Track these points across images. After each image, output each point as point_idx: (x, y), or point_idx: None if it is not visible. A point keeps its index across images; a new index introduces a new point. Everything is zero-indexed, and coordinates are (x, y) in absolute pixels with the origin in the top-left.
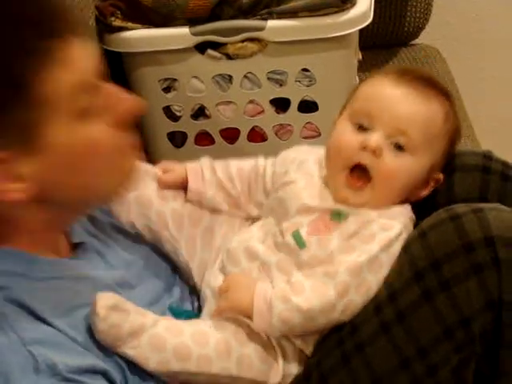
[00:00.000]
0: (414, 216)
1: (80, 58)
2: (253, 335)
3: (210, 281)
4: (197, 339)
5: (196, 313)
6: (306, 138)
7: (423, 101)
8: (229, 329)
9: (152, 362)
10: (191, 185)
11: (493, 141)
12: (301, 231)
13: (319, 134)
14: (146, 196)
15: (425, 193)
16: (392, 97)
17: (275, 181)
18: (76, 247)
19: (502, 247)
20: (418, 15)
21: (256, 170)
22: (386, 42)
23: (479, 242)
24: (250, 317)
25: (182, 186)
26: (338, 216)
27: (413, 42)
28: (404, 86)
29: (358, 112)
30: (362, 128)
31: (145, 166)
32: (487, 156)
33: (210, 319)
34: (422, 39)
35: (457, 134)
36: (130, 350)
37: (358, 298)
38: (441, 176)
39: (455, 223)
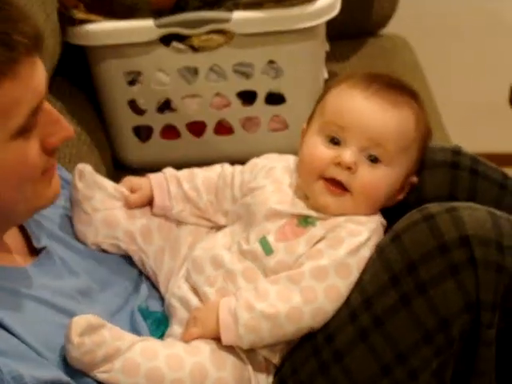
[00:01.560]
0: (384, 221)
1: (29, 77)
2: (228, 356)
3: (175, 290)
4: (171, 363)
5: (164, 315)
6: (273, 130)
7: (394, 110)
8: (204, 351)
9: None
10: (157, 201)
11: (460, 128)
12: (268, 238)
13: (286, 127)
14: (113, 216)
15: (400, 197)
16: (363, 109)
17: (243, 188)
18: (39, 252)
19: (478, 246)
20: (385, 4)
21: (223, 178)
22: (354, 32)
23: (454, 242)
24: (219, 335)
25: (149, 201)
26: (304, 222)
27: (380, 32)
28: (373, 96)
29: (329, 125)
30: (333, 141)
31: (109, 185)
32: (456, 151)
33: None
34: (390, 28)
35: (428, 135)
36: (103, 374)
37: (327, 304)
38: (415, 179)
39: (429, 223)
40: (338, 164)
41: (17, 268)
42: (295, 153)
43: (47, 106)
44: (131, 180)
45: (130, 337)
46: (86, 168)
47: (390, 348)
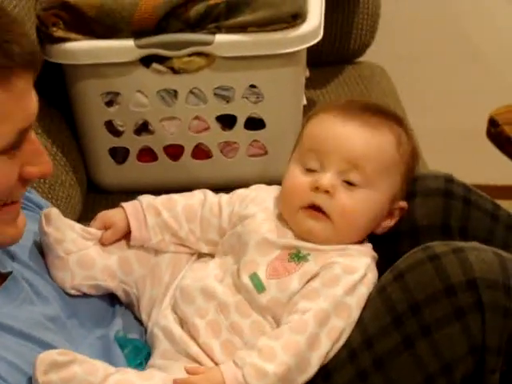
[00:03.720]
0: (375, 254)
1: (22, 94)
2: None
3: (159, 320)
4: None
5: (143, 342)
6: (252, 155)
7: (371, 131)
8: None
9: None
10: (134, 233)
11: (437, 156)
12: (259, 273)
13: (266, 153)
14: (88, 256)
15: (391, 223)
16: (339, 133)
17: (233, 219)
18: (5, 277)
19: (485, 290)
20: (363, 33)
21: (210, 207)
22: (332, 60)
23: (461, 285)
24: None
25: (124, 234)
26: (296, 257)
27: (358, 60)
28: (350, 119)
29: (306, 153)
30: (311, 170)
31: (77, 226)
32: (448, 179)
33: (163, 364)
34: (367, 57)
35: (414, 157)
36: None
37: (330, 346)
38: (404, 204)
39: (435, 264)
40: (316, 189)
41: None
42: (274, 178)
43: (33, 135)
44: (103, 216)
45: (103, 369)
46: (52, 211)
47: None
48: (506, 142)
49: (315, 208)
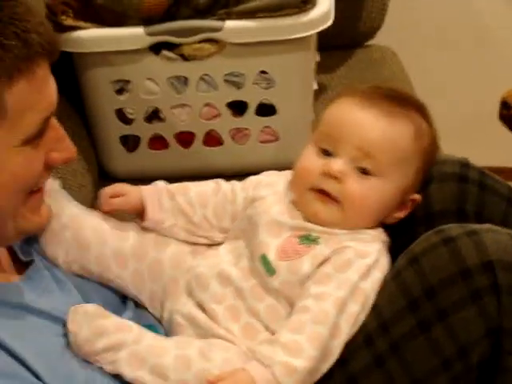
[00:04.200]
0: (387, 239)
1: (44, 82)
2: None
3: (179, 308)
4: (179, 364)
5: (158, 326)
6: (263, 142)
7: (389, 121)
8: (218, 359)
9: (129, 376)
10: (149, 214)
11: (449, 140)
12: (268, 256)
13: (277, 139)
14: (84, 236)
15: (402, 214)
16: (355, 119)
17: (246, 204)
18: (27, 265)
19: (501, 272)
20: (373, 15)
21: (224, 194)
22: (342, 43)
23: (477, 268)
24: None
25: (132, 212)
26: (307, 239)
27: (368, 43)
28: (369, 107)
29: (323, 136)
30: (326, 152)
31: (76, 203)
32: (464, 164)
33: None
34: (378, 40)
35: (433, 149)
36: (106, 364)
37: (349, 332)
38: (418, 196)
39: (449, 247)
40: (325, 174)
41: (6, 284)
42: (285, 165)
43: (54, 122)
44: (118, 185)
45: (138, 328)
46: (53, 185)
47: (406, 375)
48: None
49: (324, 192)
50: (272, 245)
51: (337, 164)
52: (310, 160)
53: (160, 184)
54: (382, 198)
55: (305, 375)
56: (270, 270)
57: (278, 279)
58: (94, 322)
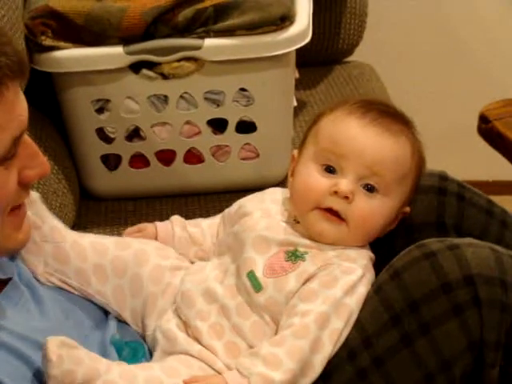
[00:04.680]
0: (372, 255)
1: (14, 103)
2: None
3: (162, 324)
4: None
5: (140, 342)
6: (244, 159)
7: (391, 138)
8: (183, 374)
9: None
10: (160, 239)
11: (431, 153)
12: (256, 272)
13: (257, 155)
14: (63, 250)
15: (392, 227)
16: (360, 137)
17: (232, 218)
18: (6, 283)
19: (482, 286)
20: (351, 32)
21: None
22: (321, 60)
23: (458, 282)
24: None
25: None
26: (294, 255)
27: (347, 59)
28: (370, 124)
29: (325, 153)
30: (329, 170)
31: (56, 219)
32: (443, 177)
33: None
34: (356, 56)
35: (423, 164)
36: None
37: (332, 348)
38: (408, 209)
39: (431, 262)
40: (335, 193)
41: None
42: (266, 181)
43: (27, 138)
44: (140, 224)
45: (105, 360)
46: (34, 195)
47: None
48: (497, 138)
49: (332, 212)
50: (259, 261)
51: (345, 183)
52: (314, 178)
53: (175, 217)
54: (386, 215)
55: None
56: (257, 286)
57: (264, 295)
58: (71, 351)
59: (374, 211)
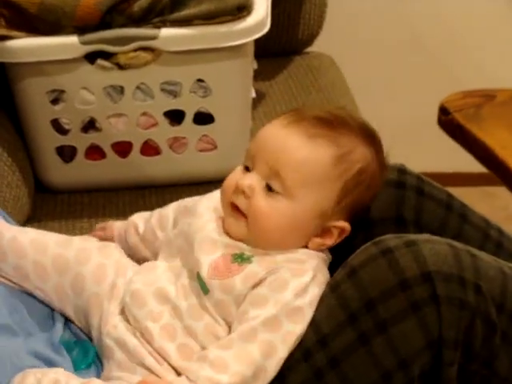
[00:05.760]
0: (324, 256)
1: None
2: None
3: (110, 331)
4: None
5: (89, 342)
6: (201, 150)
7: (304, 142)
8: None
9: None
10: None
11: (388, 146)
12: (201, 273)
13: (215, 147)
14: (1, 247)
15: (329, 242)
16: (271, 137)
17: (183, 214)
18: None
19: (440, 283)
20: (311, 22)
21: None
22: (280, 51)
23: (416, 279)
24: None
25: None
26: (239, 258)
27: (306, 50)
28: (291, 126)
29: (247, 153)
30: (247, 169)
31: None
32: (401, 170)
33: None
34: (316, 47)
35: (371, 177)
36: None
37: (286, 351)
38: (344, 224)
39: (388, 259)
40: (237, 188)
41: None
42: (224, 174)
43: None
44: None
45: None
46: None
47: None
48: (457, 130)
49: (235, 207)
50: (205, 262)
51: (247, 179)
52: (232, 175)
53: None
54: (289, 220)
55: None
56: (205, 288)
57: (213, 298)
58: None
59: (271, 211)
